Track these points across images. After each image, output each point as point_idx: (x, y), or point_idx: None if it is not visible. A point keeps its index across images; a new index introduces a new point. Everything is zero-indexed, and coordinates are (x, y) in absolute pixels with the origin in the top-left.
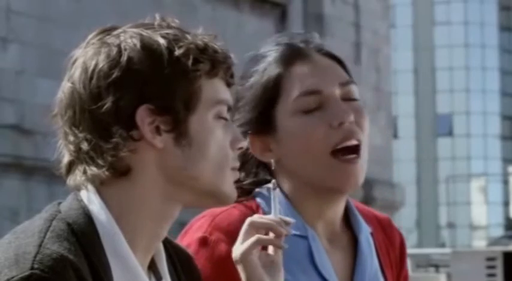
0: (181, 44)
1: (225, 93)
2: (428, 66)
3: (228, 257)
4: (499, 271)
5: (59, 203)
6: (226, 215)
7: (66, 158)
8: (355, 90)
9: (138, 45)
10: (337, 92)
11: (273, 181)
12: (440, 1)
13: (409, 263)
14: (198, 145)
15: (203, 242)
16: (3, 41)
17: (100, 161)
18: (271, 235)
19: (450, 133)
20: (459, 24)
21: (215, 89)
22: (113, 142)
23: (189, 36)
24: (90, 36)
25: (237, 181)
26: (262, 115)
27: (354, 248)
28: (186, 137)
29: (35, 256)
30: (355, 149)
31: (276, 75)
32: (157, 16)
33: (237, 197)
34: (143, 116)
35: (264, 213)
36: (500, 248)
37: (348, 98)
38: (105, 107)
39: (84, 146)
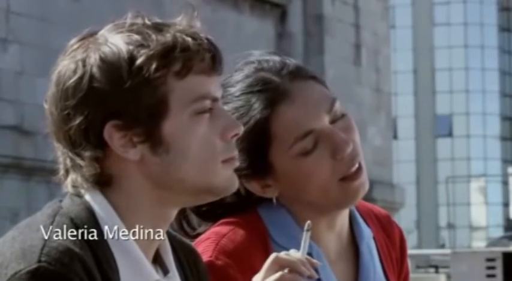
0: (143, 51)
1: (203, 87)
2: (428, 67)
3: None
4: (499, 272)
5: (60, 201)
6: (232, 237)
7: (61, 169)
8: (338, 106)
9: (98, 60)
10: (327, 120)
11: (308, 222)
12: (440, 2)
13: (409, 263)
14: (176, 149)
15: (209, 267)
16: (3, 42)
17: (81, 176)
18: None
19: (450, 134)
20: (459, 25)
21: (189, 88)
22: (86, 158)
23: (157, 37)
24: (70, 42)
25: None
26: (256, 161)
27: (358, 257)
28: (161, 144)
29: (42, 249)
30: (359, 168)
31: (263, 122)
32: (131, 14)
33: (239, 209)
34: (111, 132)
35: (265, 228)
36: (500, 249)
37: (336, 119)
38: (74, 128)
39: (68, 161)
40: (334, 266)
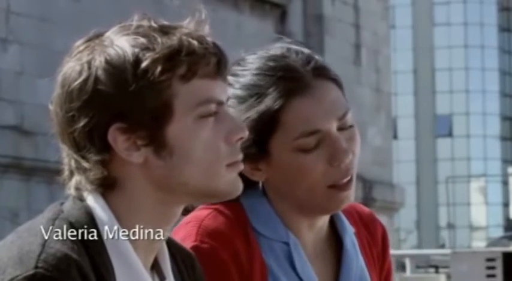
0: (148, 54)
1: (208, 91)
2: (428, 67)
3: (224, 263)
4: (499, 272)
5: (61, 204)
6: (212, 219)
7: (65, 170)
8: (350, 117)
9: (104, 63)
10: (335, 125)
11: None
12: (440, 2)
13: (409, 263)
14: (180, 152)
15: (196, 251)
16: (3, 42)
17: (86, 179)
18: None
19: (450, 134)
20: (459, 25)
21: (193, 92)
22: (91, 161)
23: (162, 40)
24: (76, 44)
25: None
26: (256, 143)
27: (339, 252)
28: (165, 147)
29: (39, 255)
30: (350, 180)
31: (275, 109)
32: (137, 16)
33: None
34: (115, 135)
35: (245, 215)
36: (500, 249)
37: (343, 128)
38: (78, 130)
39: (72, 163)
40: (315, 261)
